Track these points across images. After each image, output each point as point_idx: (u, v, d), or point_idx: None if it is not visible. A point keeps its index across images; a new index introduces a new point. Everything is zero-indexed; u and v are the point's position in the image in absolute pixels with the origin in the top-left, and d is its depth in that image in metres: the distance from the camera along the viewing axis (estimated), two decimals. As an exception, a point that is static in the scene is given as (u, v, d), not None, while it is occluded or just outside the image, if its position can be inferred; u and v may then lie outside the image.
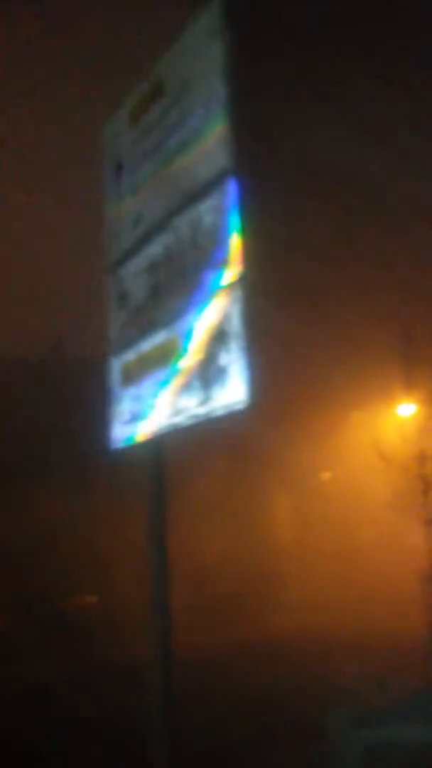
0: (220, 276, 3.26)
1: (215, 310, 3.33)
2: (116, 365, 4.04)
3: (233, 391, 3.25)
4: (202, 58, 3.22)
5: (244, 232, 3.15)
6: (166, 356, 3.73)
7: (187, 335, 3.55)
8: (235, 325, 3.23)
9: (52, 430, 22.11)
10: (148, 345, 3.80)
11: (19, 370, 23.54)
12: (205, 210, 3.28)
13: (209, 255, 3.30)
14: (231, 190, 3.16)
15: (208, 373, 3.41)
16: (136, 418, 3.94)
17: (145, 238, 3.72)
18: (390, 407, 17.22)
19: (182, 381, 3.62)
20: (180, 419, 3.65)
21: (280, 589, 23.89)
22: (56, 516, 19.88)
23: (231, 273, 3.20)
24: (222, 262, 3.24)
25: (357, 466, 21.71)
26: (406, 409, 13.27)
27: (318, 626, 18.28)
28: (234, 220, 3.16)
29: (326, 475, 27.91)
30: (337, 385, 22.22)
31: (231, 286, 3.22)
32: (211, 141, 3.22)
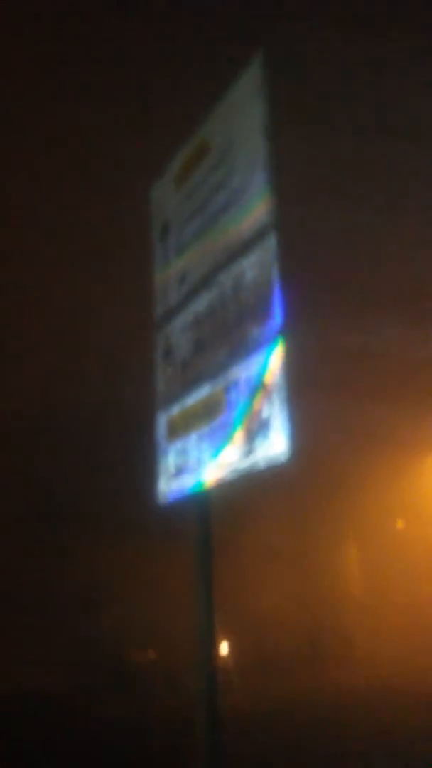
0: (262, 330, 3.32)
1: (258, 364, 3.37)
2: (162, 419, 4.12)
3: (276, 443, 3.26)
4: (244, 116, 3.35)
5: (284, 285, 3.21)
6: (210, 410, 3.77)
7: (231, 389, 3.60)
8: (278, 378, 3.27)
9: (105, 481, 22.22)
10: (192, 399, 3.86)
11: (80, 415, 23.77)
12: (247, 265, 3.36)
13: (251, 309, 3.37)
14: (272, 244, 3.24)
15: (251, 426, 3.44)
16: (182, 472, 3.97)
17: (190, 295, 3.82)
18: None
19: (225, 434, 3.65)
20: (224, 473, 3.66)
21: (347, 643, 23.10)
22: (110, 569, 19.92)
23: (272, 326, 3.25)
24: (264, 316, 3.30)
25: (426, 516, 21.12)
26: None
27: (385, 681, 17.53)
28: (275, 275, 3.22)
29: (400, 523, 27.13)
30: (407, 430, 21.87)
31: (273, 339, 3.26)
32: (253, 200, 3.32)
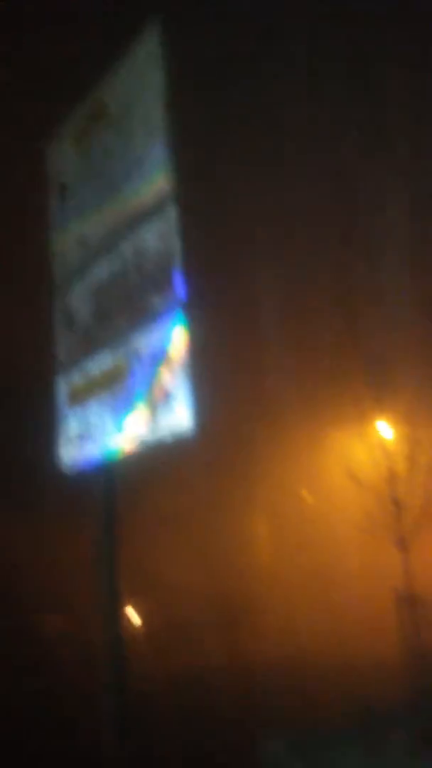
0: (164, 299, 3.28)
1: (160, 334, 3.34)
2: (63, 385, 4.04)
3: (179, 416, 3.25)
4: (142, 82, 3.25)
5: (188, 256, 3.17)
6: (113, 379, 3.73)
7: (133, 359, 3.56)
8: (180, 349, 3.24)
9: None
10: (95, 367, 3.80)
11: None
12: (148, 234, 3.30)
13: (153, 279, 3.32)
14: (174, 214, 3.19)
15: (155, 398, 3.41)
16: (83, 438, 3.93)
17: (91, 261, 3.73)
18: (361, 429, 17.32)
19: (129, 404, 3.62)
20: (127, 443, 3.64)
21: (253, 614, 23.69)
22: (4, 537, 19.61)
23: (174, 297, 3.21)
24: (166, 287, 3.26)
25: (329, 488, 21.80)
26: (377, 430, 13.37)
27: (292, 651, 18.15)
28: (177, 246, 3.18)
29: (306, 494, 27.89)
30: (311, 405, 22.32)
31: (175, 309, 3.23)
32: (154, 166, 3.25)
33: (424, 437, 11.82)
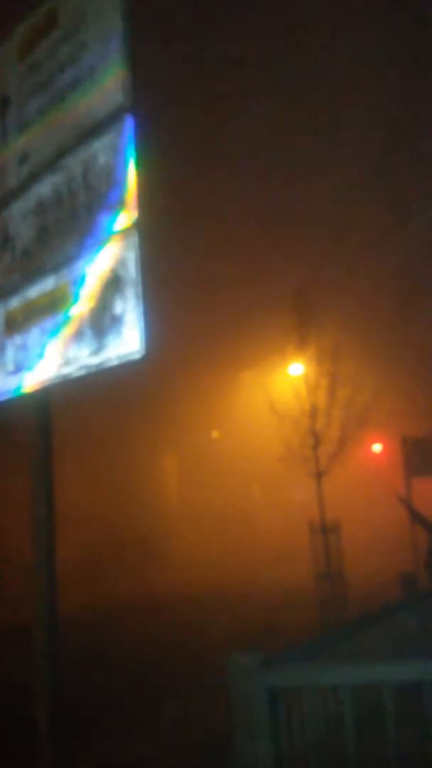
0: (114, 219, 3.16)
1: (109, 256, 3.22)
2: None
3: (129, 340, 3.17)
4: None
5: (141, 173, 3.05)
6: (55, 303, 3.60)
7: (79, 281, 3.43)
8: (131, 271, 3.14)
9: None
10: (35, 291, 3.66)
11: None
12: (99, 149, 3.15)
13: (103, 196, 3.19)
14: (128, 128, 3.05)
15: (102, 322, 3.31)
16: (21, 368, 3.80)
17: (32, 178, 3.55)
18: (282, 365, 17.53)
19: (73, 329, 3.51)
20: (70, 370, 3.54)
21: (167, 547, 24.09)
22: None
23: (126, 216, 3.10)
24: (117, 205, 3.14)
25: (249, 424, 22.11)
26: (297, 367, 13.55)
27: (205, 581, 18.62)
28: (130, 160, 3.05)
29: (216, 434, 28.21)
30: (230, 344, 22.41)
31: (126, 230, 3.12)
32: (107, 77, 3.08)
33: (343, 372, 12.09)
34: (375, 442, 24.50)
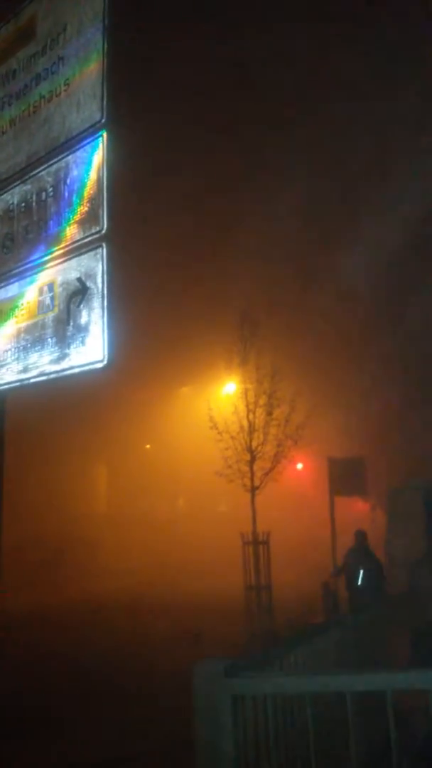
0: (83, 231, 3.11)
1: (77, 267, 3.17)
2: (-38, 317, 3.76)
3: (93, 350, 3.12)
4: (80, 6, 3.02)
5: (112, 187, 3.02)
6: (18, 309, 3.52)
7: (44, 290, 3.37)
8: (99, 283, 3.10)
9: None
10: (-1, 297, 3.57)
11: None
12: (72, 161, 3.11)
13: (73, 209, 3.14)
14: (101, 143, 3.02)
15: (66, 331, 3.25)
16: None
17: (1, 186, 3.46)
18: (222, 383, 17.56)
19: (35, 336, 3.43)
20: (29, 375, 3.47)
21: (95, 556, 23.66)
22: None
23: (95, 229, 3.06)
24: (87, 217, 3.09)
25: (186, 438, 22.03)
26: (236, 385, 13.60)
27: (132, 589, 18.39)
28: (102, 175, 3.01)
29: (148, 446, 28.00)
30: (171, 359, 22.33)
31: (95, 242, 3.08)
32: (84, 93, 3.05)
33: (280, 393, 12.18)
34: (304, 460, 24.81)
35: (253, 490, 12.05)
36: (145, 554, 23.46)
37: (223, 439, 11.91)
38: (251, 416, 12.18)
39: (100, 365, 3.10)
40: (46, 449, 21.97)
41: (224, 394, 15.71)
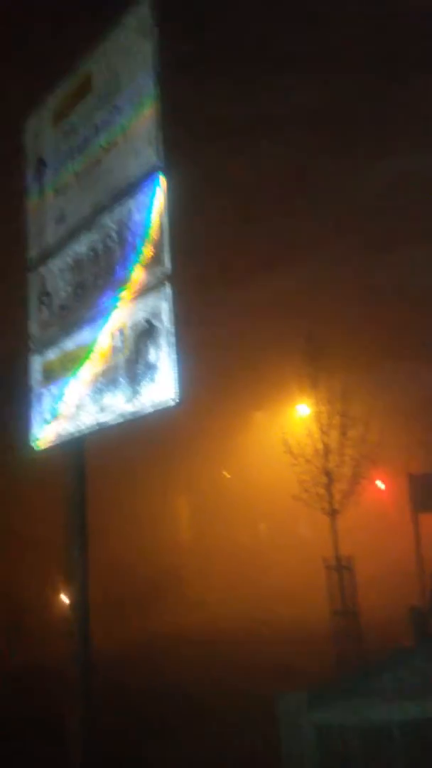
0: (148, 273, 3.17)
1: (143, 307, 3.23)
2: (37, 363, 3.87)
3: (163, 387, 3.16)
4: (131, 55, 3.11)
5: (172, 229, 3.07)
6: (90, 354, 3.59)
7: (114, 333, 3.44)
8: (165, 321, 3.15)
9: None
10: (72, 344, 3.66)
11: None
12: (133, 207, 3.18)
13: (137, 252, 3.20)
14: (160, 186, 3.08)
15: (136, 370, 3.31)
16: (58, 416, 3.78)
17: (70, 236, 3.57)
18: (294, 406, 17.43)
19: (108, 378, 3.50)
20: (106, 417, 3.52)
21: (185, 587, 23.68)
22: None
23: (159, 270, 3.11)
24: (150, 259, 3.15)
25: (262, 463, 21.97)
26: (308, 408, 13.52)
27: (224, 619, 18.31)
28: (163, 217, 3.07)
29: (228, 474, 28.01)
30: (243, 386, 22.40)
31: (159, 283, 3.13)
32: (140, 139, 3.12)
33: (355, 412, 12.06)
34: (382, 478, 24.33)
35: (333, 513, 11.88)
36: (228, 583, 23.36)
37: (298, 463, 11.85)
38: (325, 438, 12.09)
39: (171, 402, 3.13)
40: (127, 484, 22.25)
41: (297, 417, 15.63)
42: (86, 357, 3.63)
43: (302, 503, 12.10)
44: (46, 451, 3.94)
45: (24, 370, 4.03)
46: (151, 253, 3.14)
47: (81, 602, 3.55)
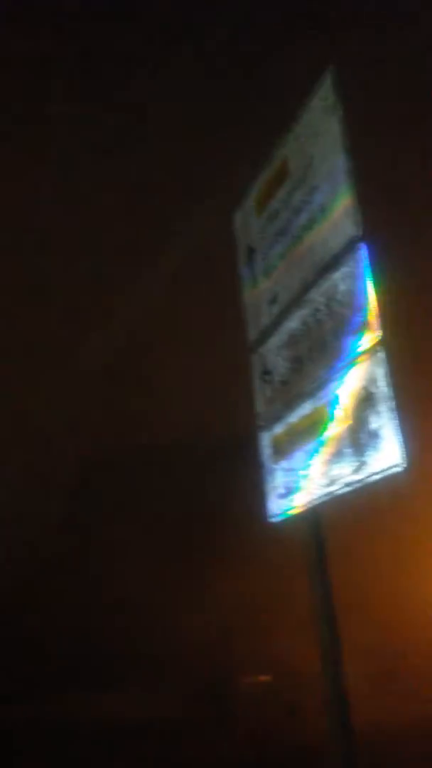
0: (360, 340, 3.17)
1: (359, 375, 3.22)
2: (266, 439, 3.99)
3: (388, 454, 3.09)
4: (321, 135, 3.23)
5: (379, 295, 3.06)
6: (314, 426, 3.63)
7: (334, 402, 3.45)
8: (382, 387, 3.11)
9: (211, 511, 22.02)
10: (295, 417, 3.73)
11: (174, 455, 23.88)
12: (339, 278, 3.23)
13: (347, 321, 3.23)
14: (362, 256, 3.10)
15: (360, 439, 3.27)
16: (290, 490, 3.84)
17: (283, 315, 3.71)
18: None
19: (333, 449, 3.49)
20: (335, 488, 3.51)
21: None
22: (225, 595, 19.52)
23: (371, 336, 3.10)
24: (360, 327, 3.15)
25: None
26: None
27: None
28: (368, 284, 3.08)
29: None
30: None
31: (372, 349, 3.11)
32: (337, 213, 3.19)
33: None
34: None
35: None
36: None
37: None
38: None
39: (398, 469, 3.05)
40: (365, 556, 21.52)
41: None
42: (310, 429, 3.67)
43: None
44: (282, 524, 4.00)
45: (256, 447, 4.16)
46: (362, 321, 3.15)
47: (333, 677, 3.48)
